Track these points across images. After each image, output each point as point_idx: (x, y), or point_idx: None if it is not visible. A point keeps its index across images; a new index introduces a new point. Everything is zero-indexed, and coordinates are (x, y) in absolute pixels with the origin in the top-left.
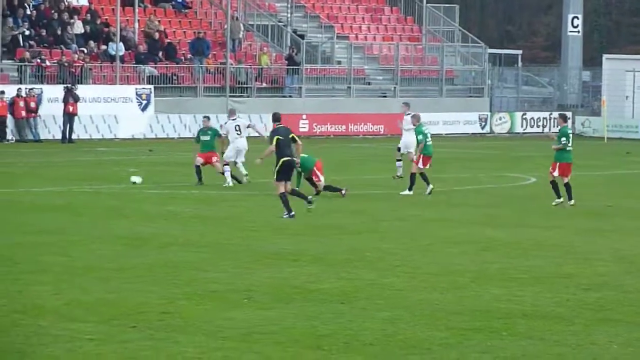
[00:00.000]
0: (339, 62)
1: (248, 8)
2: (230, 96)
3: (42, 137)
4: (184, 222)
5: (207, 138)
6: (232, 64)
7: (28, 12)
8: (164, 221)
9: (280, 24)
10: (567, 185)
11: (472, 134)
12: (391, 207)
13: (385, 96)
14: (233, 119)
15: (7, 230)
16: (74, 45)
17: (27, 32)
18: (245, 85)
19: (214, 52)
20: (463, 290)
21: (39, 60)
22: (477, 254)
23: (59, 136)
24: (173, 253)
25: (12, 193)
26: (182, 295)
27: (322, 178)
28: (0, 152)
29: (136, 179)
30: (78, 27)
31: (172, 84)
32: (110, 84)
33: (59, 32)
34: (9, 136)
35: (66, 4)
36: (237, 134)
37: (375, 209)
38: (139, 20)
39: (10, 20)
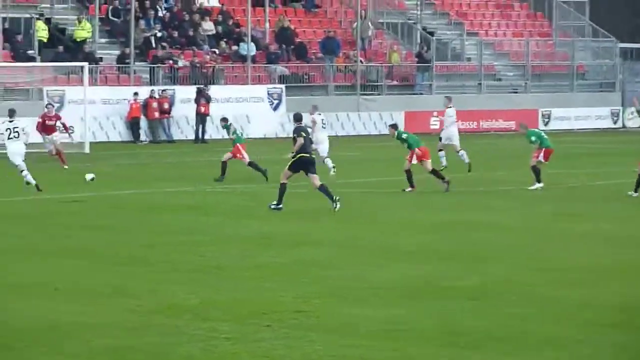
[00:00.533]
0: (469, 59)
1: (378, 6)
2: (360, 94)
3: (175, 138)
4: (316, 220)
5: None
6: (362, 62)
7: (160, 14)
8: (296, 219)
9: (410, 21)
10: None
11: (604, 128)
12: (521, 204)
13: (516, 92)
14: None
15: (141, 230)
16: (206, 46)
17: (159, 34)
18: (375, 83)
19: (344, 51)
20: (596, 286)
21: (171, 62)
22: (607, 247)
23: (191, 136)
24: (305, 251)
25: (145, 194)
26: (315, 293)
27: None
28: (134, 152)
29: (89, 176)
30: (209, 28)
31: (303, 83)
32: (241, 84)
33: (190, 33)
34: (143, 137)
35: (197, 5)
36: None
37: (504, 205)
38: (269, 20)
39: (142, 22)
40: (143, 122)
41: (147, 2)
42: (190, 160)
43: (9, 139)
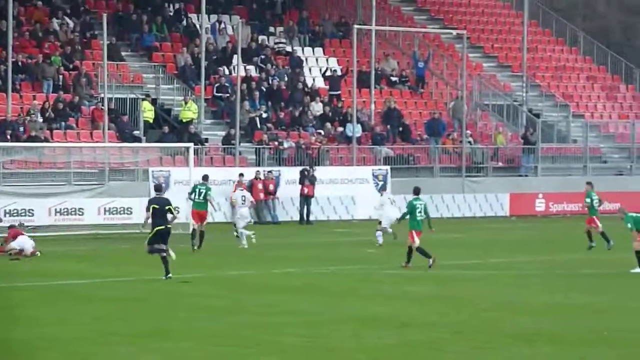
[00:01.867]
0: (575, 141)
1: (483, 87)
2: (466, 176)
3: (280, 219)
4: (423, 302)
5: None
6: (471, 141)
7: (265, 94)
8: (402, 301)
9: (515, 103)
10: None
11: None
12: (631, 286)
13: (621, 174)
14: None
15: (248, 311)
16: (311, 127)
17: (264, 115)
18: (481, 165)
19: (448, 133)
20: None
21: (276, 143)
22: None
23: (296, 217)
24: (412, 333)
25: (252, 275)
26: None
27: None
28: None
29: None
30: (318, 109)
31: (408, 164)
32: (347, 165)
33: (296, 114)
34: (248, 218)
35: (303, 85)
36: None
37: (616, 287)
38: (375, 102)
39: (247, 103)
40: None
41: (253, 83)
42: (296, 241)
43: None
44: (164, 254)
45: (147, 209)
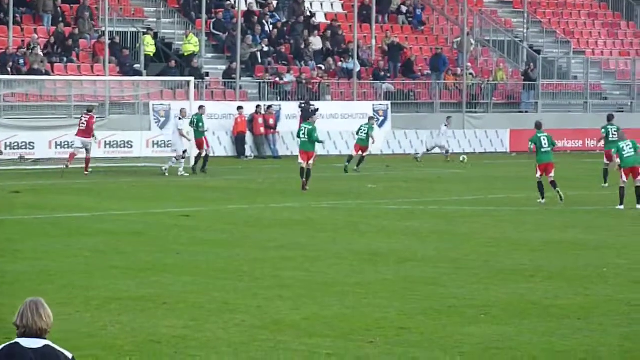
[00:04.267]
0: (575, 78)
1: (484, 24)
2: (466, 112)
3: (280, 154)
4: (422, 238)
5: None
6: (473, 75)
7: (267, 29)
8: (402, 237)
9: (516, 39)
10: None
11: None
12: (628, 223)
13: (622, 111)
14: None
15: (247, 245)
16: (312, 62)
17: (265, 49)
18: (481, 101)
19: (450, 68)
20: None
21: (277, 78)
22: None
23: (297, 152)
24: (411, 268)
25: (252, 209)
26: (420, 310)
27: None
28: (240, 168)
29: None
30: (316, 44)
31: (409, 100)
32: (347, 100)
33: (297, 48)
34: (248, 152)
35: (306, 20)
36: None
37: (611, 224)
38: (376, 37)
39: (249, 37)
40: (249, 138)
41: (254, 18)
42: (296, 176)
43: None
44: None
45: None
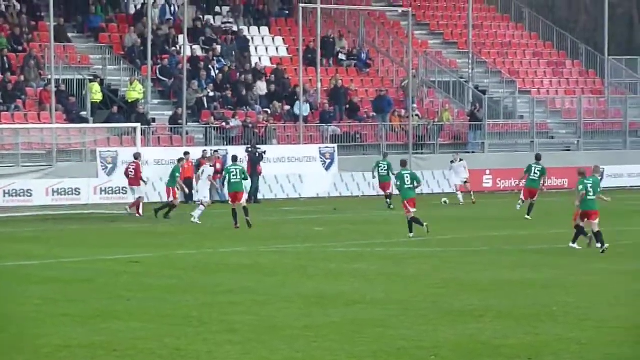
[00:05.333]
0: (522, 117)
1: (430, 65)
2: (413, 153)
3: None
4: (370, 280)
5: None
6: (419, 117)
7: (212, 74)
8: (350, 279)
9: (462, 80)
10: None
11: None
12: (577, 262)
13: (569, 150)
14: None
15: (195, 290)
16: (258, 106)
17: (211, 94)
18: (428, 142)
19: (396, 110)
20: None
21: (223, 123)
22: None
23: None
24: (359, 311)
25: (200, 254)
26: (369, 353)
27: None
28: (187, 213)
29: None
30: (262, 88)
31: (355, 142)
32: (294, 144)
33: (243, 93)
34: (195, 197)
35: (251, 65)
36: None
37: (560, 262)
38: (321, 80)
39: (195, 82)
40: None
41: (201, 63)
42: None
43: None
44: None
45: None
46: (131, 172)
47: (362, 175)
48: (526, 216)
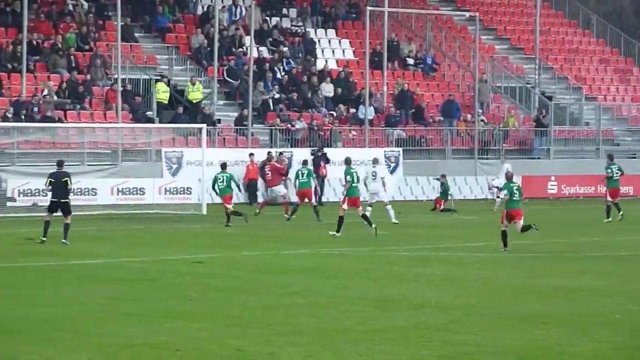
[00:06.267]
0: (587, 124)
1: (496, 70)
2: (478, 158)
3: (293, 200)
4: (434, 284)
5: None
6: (484, 122)
7: (278, 75)
8: (414, 283)
9: (528, 85)
10: None
11: None
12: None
13: (634, 157)
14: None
15: (259, 291)
16: (324, 109)
17: (276, 96)
18: (493, 147)
19: (462, 115)
20: None
21: (288, 124)
22: None
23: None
24: (424, 315)
25: (264, 255)
26: (433, 357)
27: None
28: (252, 214)
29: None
30: (328, 90)
31: (420, 146)
32: (359, 147)
33: (308, 95)
34: (260, 199)
35: (316, 67)
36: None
37: (625, 270)
38: (387, 83)
39: (261, 84)
40: (260, 185)
41: (267, 65)
42: (308, 222)
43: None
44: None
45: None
46: (267, 173)
47: (427, 179)
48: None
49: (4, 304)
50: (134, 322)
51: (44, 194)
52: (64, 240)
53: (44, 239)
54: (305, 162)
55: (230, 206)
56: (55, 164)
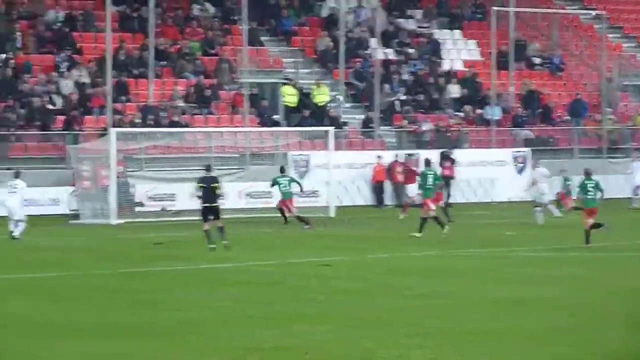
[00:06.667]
0: None
1: (623, 69)
2: (607, 157)
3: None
4: (564, 285)
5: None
6: (610, 122)
7: (404, 77)
8: (544, 284)
9: None
10: None
11: None
12: None
13: None
14: None
15: (386, 293)
16: (450, 110)
17: (403, 98)
18: (622, 146)
19: (590, 114)
20: None
21: (415, 126)
22: None
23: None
24: (556, 316)
25: (392, 258)
26: (566, 357)
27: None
28: (379, 216)
29: None
30: (455, 91)
31: (548, 146)
32: (486, 148)
33: (435, 96)
34: (387, 201)
35: (442, 68)
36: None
37: None
38: (514, 84)
39: (386, 86)
40: (387, 186)
41: (392, 66)
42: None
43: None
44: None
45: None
46: (399, 172)
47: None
48: None
49: (134, 308)
50: (262, 325)
51: (172, 199)
52: (225, 242)
53: (213, 246)
54: (428, 163)
55: (295, 210)
56: (203, 168)
